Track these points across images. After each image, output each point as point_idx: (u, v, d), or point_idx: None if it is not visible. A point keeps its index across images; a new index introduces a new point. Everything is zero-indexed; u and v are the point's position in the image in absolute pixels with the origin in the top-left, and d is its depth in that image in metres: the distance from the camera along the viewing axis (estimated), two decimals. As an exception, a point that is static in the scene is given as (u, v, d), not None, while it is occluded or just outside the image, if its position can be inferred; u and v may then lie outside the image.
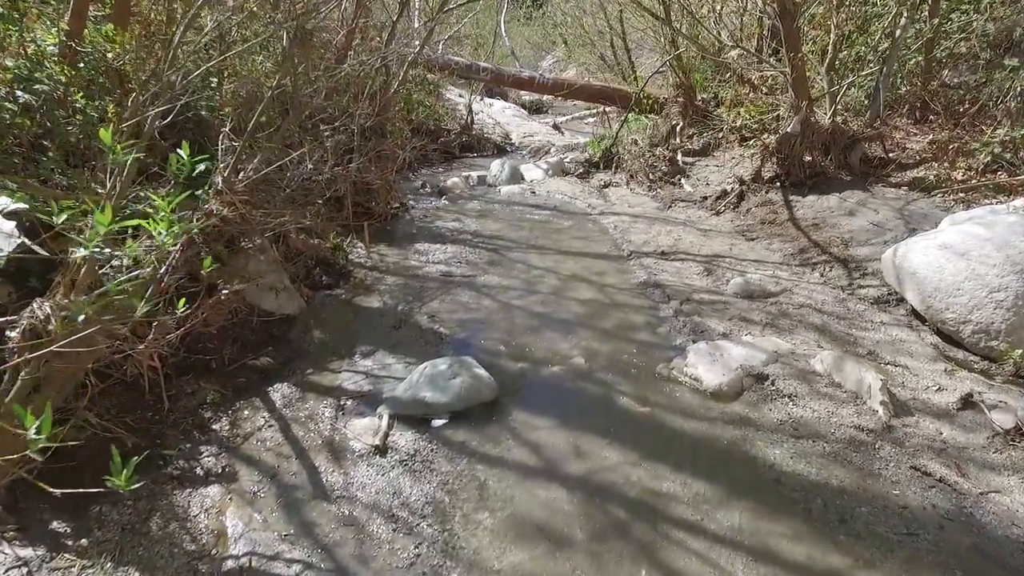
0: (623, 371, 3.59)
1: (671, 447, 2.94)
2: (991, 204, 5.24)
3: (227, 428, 2.99)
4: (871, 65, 6.70)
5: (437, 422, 3.07)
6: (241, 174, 4.06)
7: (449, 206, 7.25)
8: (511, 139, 11.99)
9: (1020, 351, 3.38)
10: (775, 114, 7.16)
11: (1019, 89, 5.87)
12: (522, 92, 16.21)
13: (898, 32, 6.19)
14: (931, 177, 5.74)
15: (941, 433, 2.99)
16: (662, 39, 9.17)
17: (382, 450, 2.84)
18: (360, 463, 2.78)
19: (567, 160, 9.41)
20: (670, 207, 7.00)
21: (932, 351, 3.72)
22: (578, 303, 4.53)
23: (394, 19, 5.95)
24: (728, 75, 8.57)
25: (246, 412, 3.13)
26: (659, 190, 7.54)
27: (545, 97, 16.64)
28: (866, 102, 6.69)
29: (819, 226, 5.61)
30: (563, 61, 17.57)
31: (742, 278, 4.72)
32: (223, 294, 3.50)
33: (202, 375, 3.30)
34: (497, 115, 13.91)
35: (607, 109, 11.32)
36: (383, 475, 2.71)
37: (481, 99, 12.68)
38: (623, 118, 9.19)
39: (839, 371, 3.37)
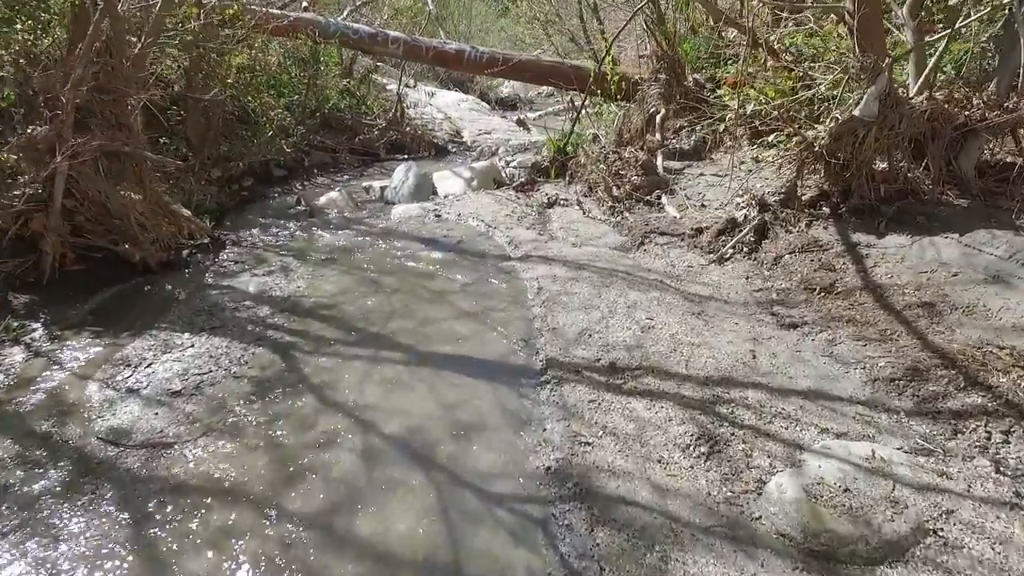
0: None
1: None
2: None
3: None
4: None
5: None
6: None
7: (294, 240, 4.29)
8: (462, 137, 9.05)
9: None
10: (811, 93, 4.13)
11: None
12: (503, 87, 13.37)
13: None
14: None
15: None
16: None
17: None
18: None
19: (512, 165, 6.41)
20: (641, 244, 4.01)
21: None
22: (358, 554, 1.57)
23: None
24: (731, 40, 5.50)
25: None
26: (626, 213, 4.53)
27: (528, 92, 13.68)
28: (986, 67, 3.65)
29: (935, 307, 2.61)
30: (548, 52, 14.67)
31: (796, 478, 1.74)
32: None
33: None
34: (449, 109, 10.89)
35: (575, 99, 8.30)
36: None
37: (415, 86, 9.63)
38: (581, 105, 6.16)
39: None
